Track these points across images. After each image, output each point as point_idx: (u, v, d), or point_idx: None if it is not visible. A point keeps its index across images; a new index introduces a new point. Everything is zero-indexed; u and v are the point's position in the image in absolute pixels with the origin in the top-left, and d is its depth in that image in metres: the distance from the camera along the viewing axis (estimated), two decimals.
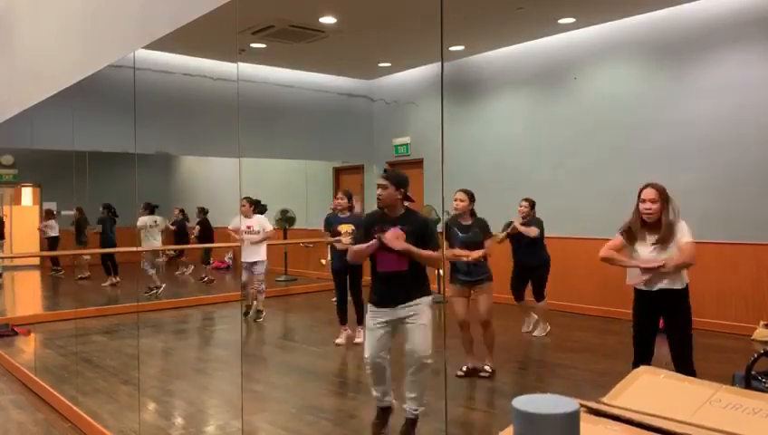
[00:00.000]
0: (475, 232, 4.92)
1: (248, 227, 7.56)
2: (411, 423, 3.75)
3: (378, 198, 3.75)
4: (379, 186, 3.73)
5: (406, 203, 3.78)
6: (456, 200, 4.98)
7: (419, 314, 3.64)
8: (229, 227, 8.13)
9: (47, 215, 11.68)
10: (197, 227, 11.05)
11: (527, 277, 6.48)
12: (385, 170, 3.89)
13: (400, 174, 3.82)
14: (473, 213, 5.02)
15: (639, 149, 7.29)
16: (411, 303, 3.64)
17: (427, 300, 3.70)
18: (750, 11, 6.39)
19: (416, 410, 3.74)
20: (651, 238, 3.74)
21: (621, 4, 6.94)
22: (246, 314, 7.76)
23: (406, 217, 3.73)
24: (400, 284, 3.66)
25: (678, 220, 3.71)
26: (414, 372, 3.67)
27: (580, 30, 7.81)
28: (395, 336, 3.76)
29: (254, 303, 7.66)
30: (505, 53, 8.72)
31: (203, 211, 11.15)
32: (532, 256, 6.41)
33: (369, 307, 3.74)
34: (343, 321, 6.36)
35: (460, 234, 4.94)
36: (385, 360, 3.74)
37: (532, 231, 6.22)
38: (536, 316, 6.63)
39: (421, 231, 3.69)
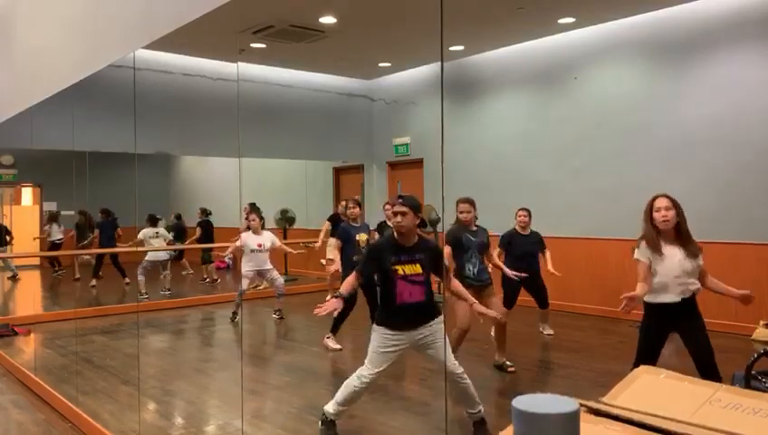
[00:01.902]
0: (484, 235, 5.06)
1: (259, 245, 7.47)
2: (481, 422, 3.74)
3: (397, 226, 3.58)
4: (398, 213, 3.56)
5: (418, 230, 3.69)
6: (462, 213, 4.99)
7: (439, 333, 3.61)
8: (238, 244, 7.79)
9: (50, 218, 11.66)
10: (198, 229, 11.03)
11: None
12: (400, 196, 3.69)
13: (416, 199, 3.67)
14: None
15: (639, 149, 7.29)
16: (429, 324, 3.62)
17: (440, 319, 3.68)
18: (750, 11, 6.39)
19: (475, 411, 3.72)
20: (673, 248, 3.64)
21: (621, 4, 6.94)
22: (234, 319, 7.74)
23: (422, 243, 3.66)
24: (420, 311, 3.62)
25: None
26: (455, 385, 3.65)
27: (580, 30, 7.81)
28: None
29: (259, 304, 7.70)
30: (505, 53, 8.73)
31: (205, 212, 11.14)
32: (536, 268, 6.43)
33: (383, 331, 3.60)
34: (336, 330, 6.18)
35: (473, 239, 4.98)
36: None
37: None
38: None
39: (435, 260, 3.63)
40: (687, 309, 3.68)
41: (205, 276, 11.09)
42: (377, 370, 3.57)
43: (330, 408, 3.69)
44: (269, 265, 7.64)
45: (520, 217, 6.33)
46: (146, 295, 9.30)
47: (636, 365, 3.71)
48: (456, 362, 3.70)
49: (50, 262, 12.11)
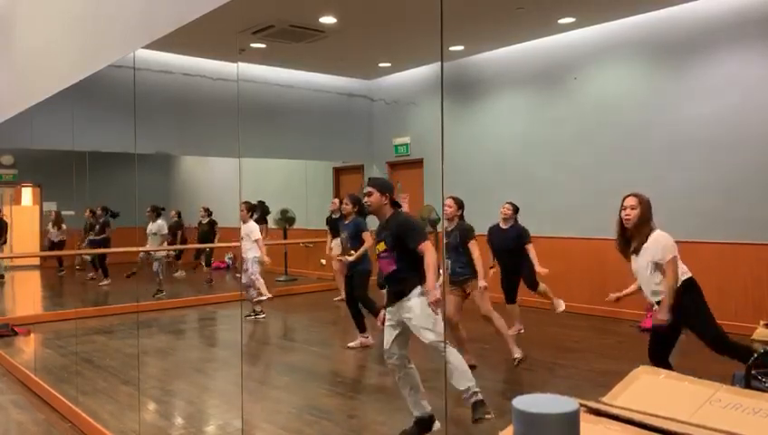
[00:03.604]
0: (455, 235, 5.14)
1: (246, 235, 7.68)
2: (477, 404, 3.77)
3: (366, 205, 3.93)
4: (366, 193, 3.89)
5: (401, 208, 3.94)
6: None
7: (411, 310, 3.70)
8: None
9: (55, 219, 11.67)
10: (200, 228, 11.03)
11: (516, 280, 6.46)
12: (369, 179, 4.08)
13: (383, 180, 4.02)
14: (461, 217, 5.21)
15: (639, 149, 7.29)
16: (405, 299, 3.73)
17: (416, 291, 3.71)
18: (750, 11, 6.39)
19: (468, 392, 3.75)
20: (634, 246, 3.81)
21: (621, 4, 6.94)
22: (249, 316, 7.78)
23: (389, 220, 3.84)
24: (393, 285, 3.82)
25: (655, 230, 3.74)
26: (443, 358, 3.72)
27: (580, 30, 7.81)
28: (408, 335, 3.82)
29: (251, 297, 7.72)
30: (505, 53, 8.73)
31: (208, 212, 11.14)
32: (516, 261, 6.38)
33: (383, 311, 4.00)
34: (362, 328, 6.18)
35: (445, 239, 5.21)
36: (402, 359, 3.78)
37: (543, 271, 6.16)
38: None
39: (402, 227, 3.75)
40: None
41: (209, 277, 11.12)
42: (385, 347, 3.81)
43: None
44: (248, 264, 7.62)
45: (502, 210, 6.37)
46: (162, 293, 9.33)
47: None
48: (440, 331, 3.67)
49: (58, 261, 12.13)
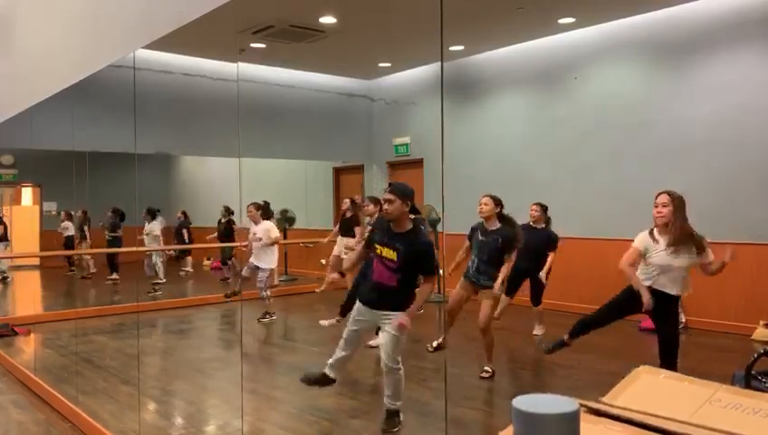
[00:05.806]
0: (494, 239, 4.88)
1: (253, 234, 7.51)
2: (393, 414, 3.90)
3: (385, 213, 3.75)
4: (386, 200, 3.71)
5: (411, 216, 3.81)
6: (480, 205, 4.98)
7: (393, 323, 3.72)
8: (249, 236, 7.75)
9: (66, 216, 11.77)
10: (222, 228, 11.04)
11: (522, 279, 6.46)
12: (390, 184, 3.87)
13: (406, 186, 3.79)
14: (501, 218, 4.97)
15: (640, 149, 7.30)
16: (394, 312, 3.73)
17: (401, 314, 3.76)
18: (750, 11, 6.39)
19: (393, 404, 3.88)
20: (664, 241, 3.89)
21: (621, 4, 6.94)
22: (228, 296, 7.90)
23: (409, 235, 3.74)
24: (387, 295, 3.77)
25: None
26: (385, 374, 3.85)
27: (580, 30, 7.81)
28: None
29: (266, 302, 7.67)
30: (505, 53, 8.73)
31: (228, 211, 11.12)
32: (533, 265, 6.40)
33: (357, 303, 3.95)
34: (344, 313, 6.16)
35: (481, 238, 4.93)
36: (357, 338, 3.98)
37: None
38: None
39: (421, 254, 3.73)
40: (661, 302, 3.96)
41: (227, 276, 11.13)
42: (344, 337, 3.95)
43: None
44: (264, 265, 7.48)
45: (531, 211, 6.38)
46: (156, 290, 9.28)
47: (597, 315, 4.27)
48: (399, 358, 3.80)
49: (68, 261, 12.15)
